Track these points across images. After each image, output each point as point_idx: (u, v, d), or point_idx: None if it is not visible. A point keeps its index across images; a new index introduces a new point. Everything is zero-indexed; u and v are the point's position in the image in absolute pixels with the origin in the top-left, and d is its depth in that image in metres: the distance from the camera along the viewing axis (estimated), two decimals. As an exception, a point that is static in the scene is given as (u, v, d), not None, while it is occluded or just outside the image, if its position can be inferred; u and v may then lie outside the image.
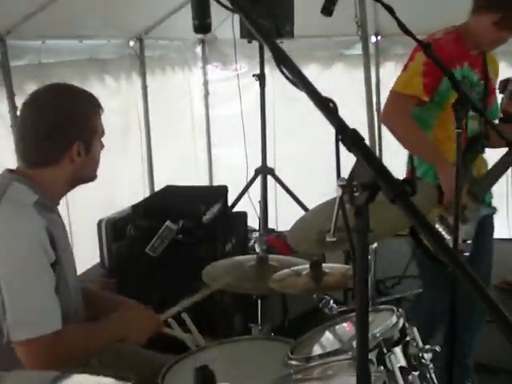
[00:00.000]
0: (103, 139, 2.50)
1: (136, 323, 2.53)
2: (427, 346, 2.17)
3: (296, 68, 1.37)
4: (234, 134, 6.20)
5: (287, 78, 1.36)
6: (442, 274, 2.95)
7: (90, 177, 2.51)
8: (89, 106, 2.41)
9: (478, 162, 3.36)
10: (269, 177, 5.61)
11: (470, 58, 3.30)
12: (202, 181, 7.44)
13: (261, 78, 5.40)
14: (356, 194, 1.25)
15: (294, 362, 2.16)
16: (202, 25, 1.68)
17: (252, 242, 2.87)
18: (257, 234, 2.83)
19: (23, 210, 2.24)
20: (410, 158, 3.36)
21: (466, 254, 3.20)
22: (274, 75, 5.86)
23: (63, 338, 2.22)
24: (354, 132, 1.26)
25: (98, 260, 5.60)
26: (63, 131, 2.32)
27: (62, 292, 2.29)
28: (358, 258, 1.27)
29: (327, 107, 1.30)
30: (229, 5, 1.52)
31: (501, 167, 3.29)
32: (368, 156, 1.24)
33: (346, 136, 1.26)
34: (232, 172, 6.70)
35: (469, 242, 3.25)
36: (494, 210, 3.53)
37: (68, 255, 2.44)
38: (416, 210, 1.20)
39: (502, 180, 4.13)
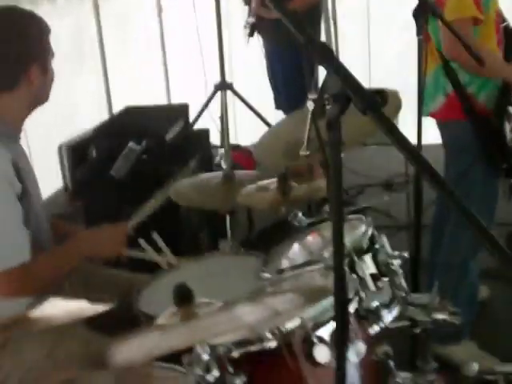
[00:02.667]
0: (57, 61, 2.45)
1: (102, 236, 2.56)
2: (396, 253, 2.22)
3: None
4: (191, 49, 6.12)
5: None
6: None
7: (46, 98, 2.46)
8: (40, 26, 2.36)
9: None
10: (228, 92, 5.56)
11: None
12: (160, 99, 7.36)
13: (216, -8, 5.30)
14: (327, 107, 1.25)
15: (267, 275, 2.20)
16: None
17: (218, 158, 2.85)
18: (222, 151, 2.82)
19: None
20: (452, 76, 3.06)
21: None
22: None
23: (31, 269, 2.22)
24: (323, 44, 1.25)
25: (61, 185, 5.58)
26: (20, 54, 2.27)
27: (32, 223, 2.28)
28: (333, 171, 1.28)
29: (294, 19, 1.29)
30: None
31: None
32: (338, 67, 1.24)
33: (315, 48, 1.26)
34: (190, 88, 6.63)
35: None
36: None
37: (34, 185, 2.42)
38: (388, 120, 1.22)
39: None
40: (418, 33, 2.62)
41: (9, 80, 2.29)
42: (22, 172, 2.25)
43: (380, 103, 1.21)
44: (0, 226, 2.17)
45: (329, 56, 1.26)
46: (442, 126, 3.28)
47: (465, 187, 3.04)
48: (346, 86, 1.22)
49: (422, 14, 2.57)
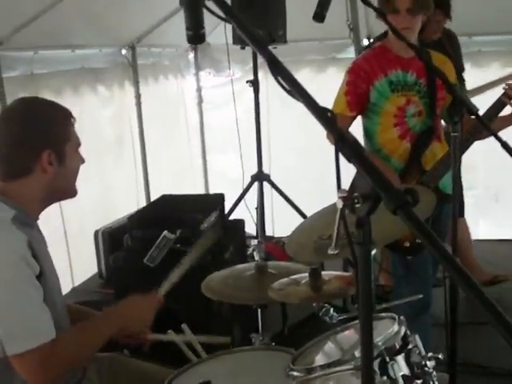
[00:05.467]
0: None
1: (132, 307, 2.52)
2: (430, 354, 2.15)
3: (293, 78, 1.35)
4: (229, 140, 6.19)
5: (284, 88, 1.34)
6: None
7: (68, 190, 2.44)
8: (58, 115, 2.36)
9: (428, 154, 3.60)
10: (265, 183, 5.59)
11: (401, 63, 3.55)
12: (197, 188, 7.43)
13: (255, 83, 5.38)
14: (357, 206, 1.23)
15: (295, 373, 2.14)
16: (197, 36, 1.66)
17: (250, 249, 2.82)
18: (255, 242, 2.79)
19: (2, 226, 2.21)
20: None
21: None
22: (267, 80, 5.85)
23: (61, 345, 2.19)
24: (355, 142, 1.24)
25: (95, 271, 5.60)
26: (31, 139, 2.28)
27: (48, 304, 2.25)
28: (361, 269, 1.25)
29: (326, 117, 1.28)
30: (222, 15, 1.51)
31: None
32: (368, 167, 1.22)
33: (346, 147, 1.25)
34: (228, 179, 6.69)
35: None
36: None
37: (51, 269, 2.40)
38: (418, 220, 1.19)
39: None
40: (454, 130, 2.63)
41: (21, 165, 2.29)
42: (38, 254, 2.24)
43: (411, 203, 1.19)
44: (23, 305, 2.15)
45: (359, 154, 1.24)
46: None
47: None
48: (375, 184, 1.20)
49: (457, 112, 2.60)
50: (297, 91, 1.32)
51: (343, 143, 1.24)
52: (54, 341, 2.17)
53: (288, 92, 1.34)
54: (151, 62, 6.68)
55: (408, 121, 3.55)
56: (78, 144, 2.42)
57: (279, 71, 1.37)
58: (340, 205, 1.25)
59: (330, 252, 1.51)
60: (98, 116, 5.78)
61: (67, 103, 2.47)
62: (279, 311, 4.16)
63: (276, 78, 1.35)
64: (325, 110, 1.28)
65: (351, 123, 3.63)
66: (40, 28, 4.46)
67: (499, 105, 3.41)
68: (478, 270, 5.26)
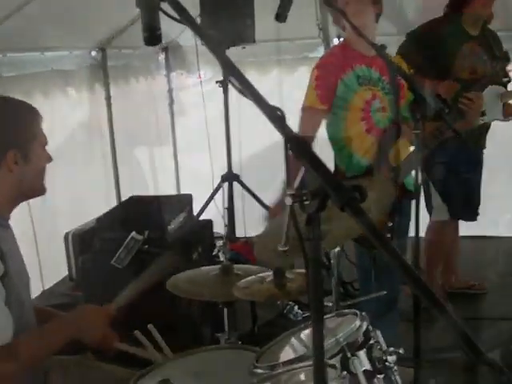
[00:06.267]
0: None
1: (86, 319, 2.46)
2: (391, 349, 2.17)
3: (244, 77, 1.37)
4: (201, 141, 6.20)
5: (235, 87, 1.36)
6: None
7: (36, 188, 2.42)
8: (24, 113, 2.35)
9: (395, 150, 3.57)
10: (236, 183, 5.61)
11: (365, 60, 3.60)
12: (169, 189, 7.42)
13: (224, 84, 5.40)
14: (306, 203, 1.25)
15: (259, 371, 2.16)
16: (153, 37, 1.67)
17: (216, 250, 2.83)
18: (220, 243, 2.81)
19: None
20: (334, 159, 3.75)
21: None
22: (237, 81, 5.86)
23: (13, 351, 2.16)
24: (302, 140, 1.26)
25: (66, 273, 5.58)
26: None
27: (14, 304, 2.22)
28: (311, 265, 1.27)
29: (275, 116, 1.30)
30: (177, 16, 1.52)
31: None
32: (316, 164, 1.24)
33: (295, 145, 1.27)
34: (199, 179, 6.69)
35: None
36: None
37: (20, 269, 2.38)
38: (365, 217, 1.21)
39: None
40: (416, 127, 2.67)
41: None
42: (6, 254, 2.22)
43: (358, 199, 1.21)
44: None
45: (308, 151, 1.26)
46: None
47: None
48: (323, 182, 1.22)
49: (420, 109, 2.64)
50: (247, 90, 1.34)
51: (292, 141, 1.26)
52: (7, 346, 2.14)
53: (239, 91, 1.36)
54: (121, 63, 6.66)
55: (373, 116, 3.59)
56: (45, 142, 2.40)
57: (231, 71, 1.39)
58: (289, 202, 1.27)
59: (280, 248, 1.53)
60: (68, 118, 5.76)
61: (37, 106, 2.44)
62: (249, 310, 4.18)
63: (227, 77, 1.37)
64: (274, 108, 1.31)
65: (322, 117, 3.65)
66: (8, 30, 4.43)
67: (458, 114, 3.48)
68: (456, 275, 5.30)
